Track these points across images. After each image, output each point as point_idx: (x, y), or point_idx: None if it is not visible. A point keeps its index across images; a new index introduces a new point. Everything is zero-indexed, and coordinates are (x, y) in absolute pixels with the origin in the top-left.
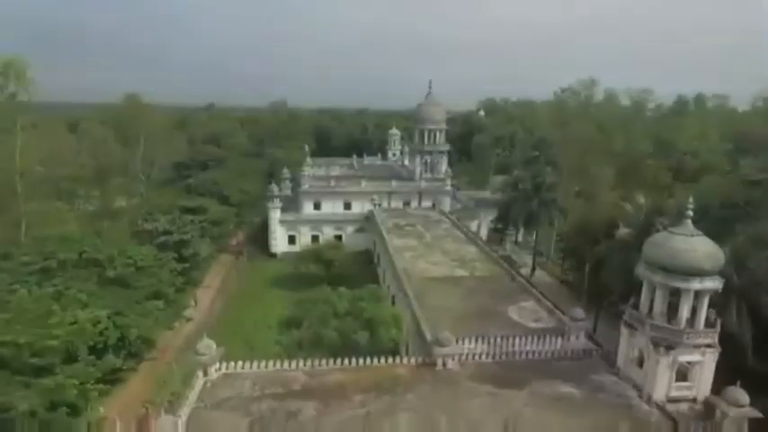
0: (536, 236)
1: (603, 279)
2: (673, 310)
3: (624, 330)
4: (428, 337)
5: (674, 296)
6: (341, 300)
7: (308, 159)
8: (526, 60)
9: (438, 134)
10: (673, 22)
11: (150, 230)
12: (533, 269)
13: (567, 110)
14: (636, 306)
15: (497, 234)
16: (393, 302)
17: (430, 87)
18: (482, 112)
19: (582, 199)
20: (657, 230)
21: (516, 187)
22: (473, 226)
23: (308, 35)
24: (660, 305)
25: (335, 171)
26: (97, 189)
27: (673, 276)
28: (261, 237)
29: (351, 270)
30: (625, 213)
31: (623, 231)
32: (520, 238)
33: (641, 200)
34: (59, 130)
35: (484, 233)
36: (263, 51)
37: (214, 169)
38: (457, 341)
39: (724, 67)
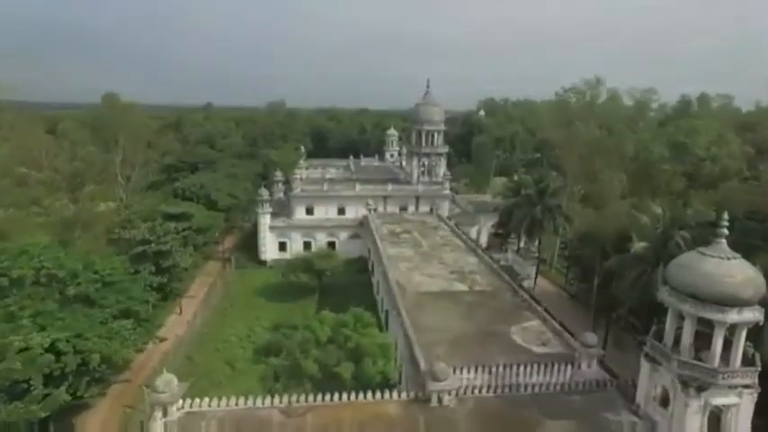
0: (539, 244)
1: (615, 294)
2: (702, 340)
3: (645, 363)
4: (422, 365)
5: (704, 324)
6: (322, 326)
7: (302, 162)
8: (526, 60)
9: (436, 135)
10: (672, 22)
11: (128, 239)
12: (536, 277)
13: (571, 110)
14: (658, 336)
15: (498, 238)
16: (386, 319)
17: (428, 87)
18: (482, 112)
19: (588, 205)
20: (677, 245)
21: (518, 192)
22: (473, 232)
23: (308, 35)
24: (688, 338)
25: (331, 173)
26: (73, 195)
27: (705, 306)
28: (251, 243)
29: (343, 279)
30: (638, 224)
31: (639, 246)
32: (521, 244)
33: (657, 209)
34: (37, 131)
35: (484, 239)
36: (262, 51)
37: (204, 171)
38: (454, 371)
39: (718, 67)
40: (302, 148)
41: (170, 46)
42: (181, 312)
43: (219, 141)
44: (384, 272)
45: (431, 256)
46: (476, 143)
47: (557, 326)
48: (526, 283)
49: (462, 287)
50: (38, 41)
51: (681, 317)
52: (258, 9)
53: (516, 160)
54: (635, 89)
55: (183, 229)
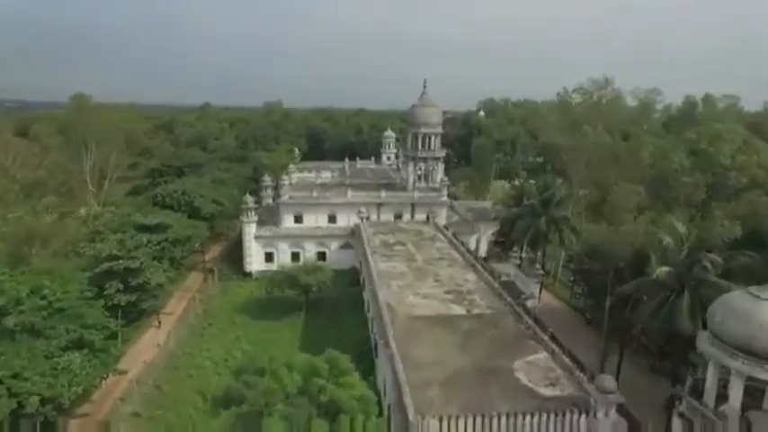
0: (543, 256)
1: (632, 322)
2: (751, 397)
3: (677, 422)
4: (410, 416)
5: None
6: (291, 373)
7: (292, 166)
8: (526, 60)
9: (433, 139)
10: (672, 22)
11: (96, 256)
12: (540, 292)
13: (577, 112)
14: (695, 392)
15: (498, 247)
16: (376, 344)
17: (425, 86)
18: (482, 113)
19: (597, 215)
20: (704, 269)
21: (521, 200)
22: (472, 241)
23: (308, 35)
24: (737, 399)
25: (325, 177)
26: (32, 206)
27: (762, 365)
28: (236, 253)
29: (333, 293)
30: (658, 243)
31: (661, 271)
32: (523, 254)
33: (680, 227)
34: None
35: (483, 248)
36: (262, 51)
37: (191, 175)
38: (449, 422)
39: (718, 68)
40: (296, 150)
41: (170, 46)
42: (159, 325)
43: (212, 143)
44: (374, 291)
45: (426, 273)
46: (475, 145)
47: (567, 361)
48: (530, 303)
49: (460, 310)
50: (37, 41)
51: (720, 368)
52: (258, 9)
53: (517, 163)
54: (639, 89)
55: (158, 242)
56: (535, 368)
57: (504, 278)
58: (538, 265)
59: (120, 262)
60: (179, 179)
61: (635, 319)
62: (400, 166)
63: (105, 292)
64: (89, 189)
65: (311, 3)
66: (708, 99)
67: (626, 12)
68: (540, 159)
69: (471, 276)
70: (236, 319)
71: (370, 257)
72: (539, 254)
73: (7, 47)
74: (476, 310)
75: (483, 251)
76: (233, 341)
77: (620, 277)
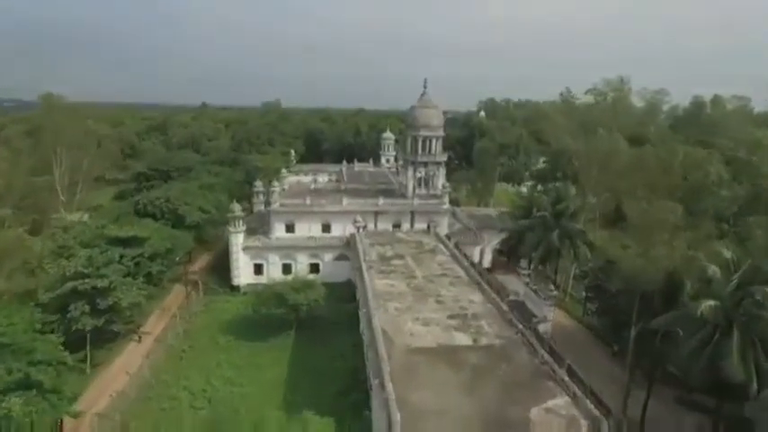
0: (555, 273)
1: (661, 352)
2: None
3: None
4: None
5: None
6: None
7: (284, 170)
8: (526, 61)
9: (434, 142)
10: (672, 22)
11: (60, 274)
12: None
13: (591, 114)
14: None
15: (503, 257)
16: (370, 381)
17: (425, 87)
18: (482, 113)
19: (611, 225)
20: (757, 303)
21: (530, 210)
22: (475, 252)
23: (307, 34)
24: None
25: (320, 182)
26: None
27: None
28: (223, 264)
29: (326, 310)
30: (698, 269)
31: (705, 306)
32: (532, 267)
33: (725, 252)
34: None
35: (488, 259)
36: (262, 51)
37: (180, 180)
38: None
39: (720, 68)
40: (293, 152)
41: (170, 46)
42: (140, 340)
43: (205, 144)
44: (369, 315)
45: (426, 292)
46: (478, 149)
47: (592, 408)
48: (542, 327)
49: (465, 340)
50: (36, 40)
51: None
52: (258, 9)
53: (520, 166)
54: (646, 90)
55: (133, 257)
56: (555, 418)
57: (512, 297)
58: (551, 286)
59: (87, 281)
60: (166, 184)
61: (668, 356)
62: (399, 168)
63: (69, 315)
64: (59, 198)
65: (311, 3)
66: (716, 100)
67: (627, 12)
68: (544, 162)
69: (477, 297)
70: (220, 340)
71: (365, 274)
72: (548, 268)
73: (6, 46)
74: (483, 340)
75: (487, 262)
76: (214, 367)
77: (648, 304)
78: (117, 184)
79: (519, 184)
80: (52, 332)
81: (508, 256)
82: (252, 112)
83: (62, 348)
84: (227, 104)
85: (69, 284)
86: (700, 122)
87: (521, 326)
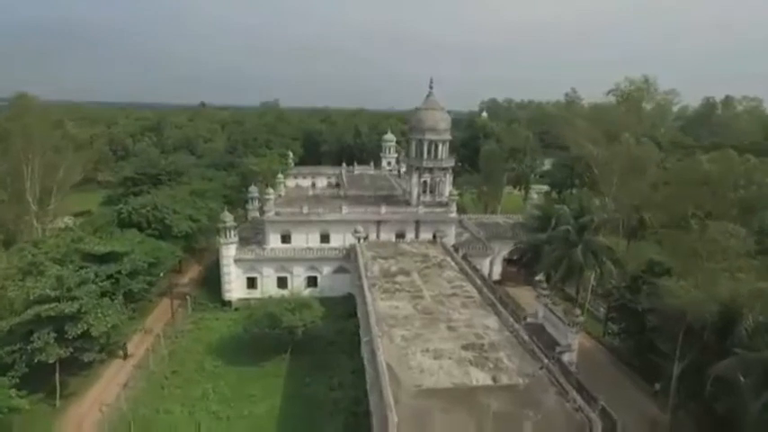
0: (577, 293)
1: (714, 395)
2: None
3: None
4: None
5: None
6: None
7: (280, 176)
8: (527, 61)
9: (440, 146)
10: (669, 22)
11: (27, 297)
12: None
13: (614, 117)
14: None
15: (512, 267)
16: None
17: (431, 87)
18: (485, 114)
19: (637, 240)
20: None
21: (547, 221)
22: (484, 265)
23: (307, 34)
24: None
25: (321, 183)
26: None
27: None
28: (214, 276)
29: (324, 330)
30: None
31: None
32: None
33: None
34: None
35: (497, 271)
36: (261, 51)
37: (171, 184)
38: None
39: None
40: (290, 154)
41: (169, 45)
42: (125, 357)
43: (201, 146)
44: (372, 346)
45: (436, 316)
46: (485, 152)
47: None
48: (566, 357)
49: (483, 378)
50: (35, 40)
51: None
52: (258, 9)
53: (526, 168)
54: (656, 90)
55: (110, 275)
56: None
57: (530, 320)
58: (577, 310)
59: (53, 306)
60: (155, 189)
61: (722, 400)
62: (401, 172)
63: (32, 346)
64: (31, 209)
65: (311, 3)
66: (728, 101)
67: (627, 12)
68: (552, 164)
69: (492, 321)
70: (207, 365)
71: (367, 294)
72: (567, 284)
73: (4, 45)
74: (504, 378)
75: (496, 274)
76: (199, 398)
77: (693, 337)
78: (109, 188)
79: (526, 188)
80: (13, 364)
81: (518, 266)
82: (249, 113)
83: (17, 390)
84: (227, 104)
85: (32, 310)
86: (711, 124)
87: (546, 360)
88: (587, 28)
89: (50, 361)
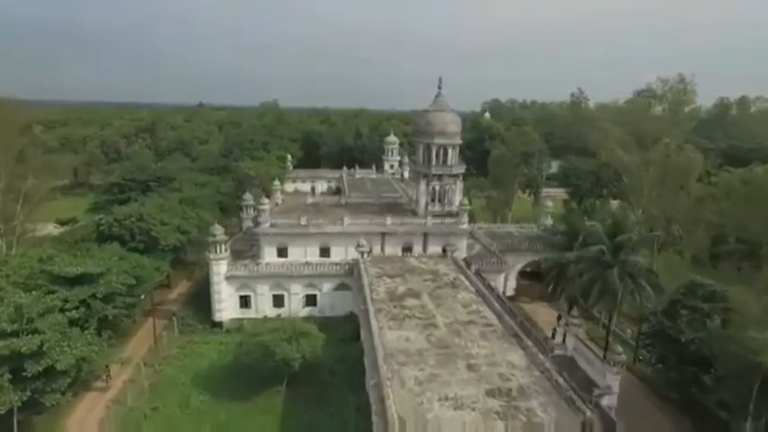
0: (601, 313)
1: None
2: None
3: None
4: None
5: None
6: None
7: (277, 182)
8: (526, 61)
9: (450, 151)
10: (669, 23)
11: None
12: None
13: (647, 120)
14: None
15: (527, 281)
16: None
17: (440, 87)
18: (487, 114)
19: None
20: None
21: (573, 236)
22: (499, 281)
23: (307, 34)
24: None
25: (321, 186)
26: None
27: None
28: (204, 293)
29: (324, 357)
30: None
31: None
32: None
33: None
34: None
35: (511, 287)
36: (261, 51)
37: (158, 192)
38: None
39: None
40: (289, 156)
41: (168, 45)
42: (109, 379)
43: (197, 148)
44: (380, 393)
45: (453, 351)
46: (494, 157)
47: None
48: (605, 401)
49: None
50: (35, 40)
51: None
52: (258, 9)
53: (535, 171)
54: (694, 92)
55: (82, 300)
56: None
57: (557, 351)
58: (619, 347)
59: (8, 342)
60: (144, 196)
61: None
62: (405, 174)
63: None
64: None
65: (312, 3)
66: (743, 101)
67: (628, 12)
68: (552, 168)
69: (517, 357)
70: (193, 399)
71: (373, 321)
72: (605, 313)
73: (4, 44)
74: None
75: (510, 289)
76: None
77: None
78: (100, 192)
79: (536, 192)
80: None
81: (532, 279)
82: (248, 113)
83: None
84: (226, 105)
85: None
86: (725, 125)
87: (586, 409)
88: (587, 28)
89: (1, 411)
